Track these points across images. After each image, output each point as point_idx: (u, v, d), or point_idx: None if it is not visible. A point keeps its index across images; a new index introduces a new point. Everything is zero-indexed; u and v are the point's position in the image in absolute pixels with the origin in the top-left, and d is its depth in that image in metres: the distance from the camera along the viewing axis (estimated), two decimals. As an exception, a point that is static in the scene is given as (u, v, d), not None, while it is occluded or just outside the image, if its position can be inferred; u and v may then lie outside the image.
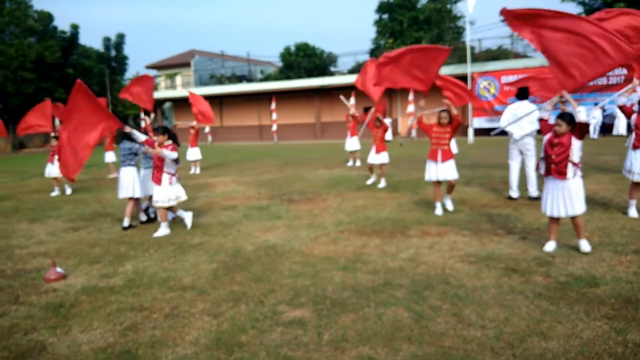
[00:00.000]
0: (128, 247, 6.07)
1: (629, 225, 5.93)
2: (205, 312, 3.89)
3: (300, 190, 10.00)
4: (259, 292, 4.26)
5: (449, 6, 42.04)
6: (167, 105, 42.32)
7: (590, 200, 7.48)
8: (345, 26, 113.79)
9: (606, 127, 23.01)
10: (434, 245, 5.50)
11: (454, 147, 10.64)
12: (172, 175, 6.75)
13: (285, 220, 7.18)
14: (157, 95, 41.17)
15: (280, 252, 5.52)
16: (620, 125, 22.18)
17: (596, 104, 22.92)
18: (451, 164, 7.10)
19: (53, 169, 11.13)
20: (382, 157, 10.04)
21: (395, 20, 40.59)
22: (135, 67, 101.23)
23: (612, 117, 22.86)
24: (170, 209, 6.85)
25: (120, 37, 45.19)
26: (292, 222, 7.03)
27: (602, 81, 23.65)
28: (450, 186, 7.26)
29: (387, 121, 15.13)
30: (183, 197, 6.91)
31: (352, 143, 14.41)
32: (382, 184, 10.05)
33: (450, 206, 7.38)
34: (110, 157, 14.64)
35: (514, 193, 7.98)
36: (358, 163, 14.49)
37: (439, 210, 7.15)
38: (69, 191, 11.41)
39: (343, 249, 5.54)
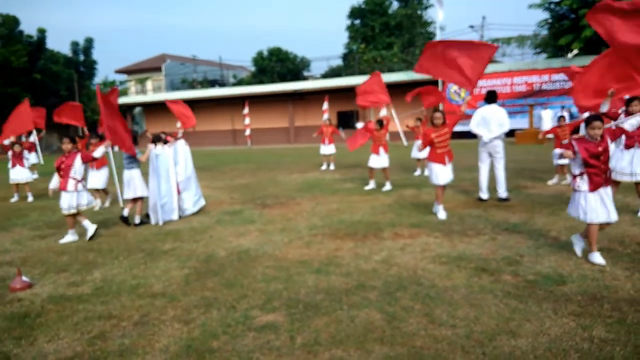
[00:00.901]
0: (96, 255, 5.93)
1: (594, 224, 6.09)
2: (176, 319, 3.83)
3: (274, 195, 9.96)
4: (231, 298, 4.21)
5: (419, 12, 42.69)
6: (137, 110, 41.67)
7: (558, 201, 7.68)
8: (317, 31, 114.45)
9: (573, 130, 23.59)
10: (407, 246, 5.55)
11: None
12: (78, 181, 6.72)
13: (258, 225, 7.14)
14: (128, 100, 40.57)
15: (254, 256, 5.48)
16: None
17: (563, 107, 23.57)
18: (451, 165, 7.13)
19: (17, 174, 11.05)
20: (384, 161, 9.96)
21: (367, 25, 40.95)
22: (104, 71, 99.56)
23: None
24: (76, 215, 6.80)
25: (89, 42, 44.26)
26: (266, 227, 6.99)
27: (569, 85, 24.26)
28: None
29: (359, 125, 15.28)
30: (91, 203, 6.96)
31: (328, 147, 14.48)
32: (388, 187, 9.85)
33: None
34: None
35: (484, 194, 8.11)
36: (332, 166, 14.54)
37: (443, 214, 6.96)
38: (30, 198, 11.18)
39: (316, 252, 5.53)
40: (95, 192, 9.63)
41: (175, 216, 7.90)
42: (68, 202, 6.67)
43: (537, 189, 9.03)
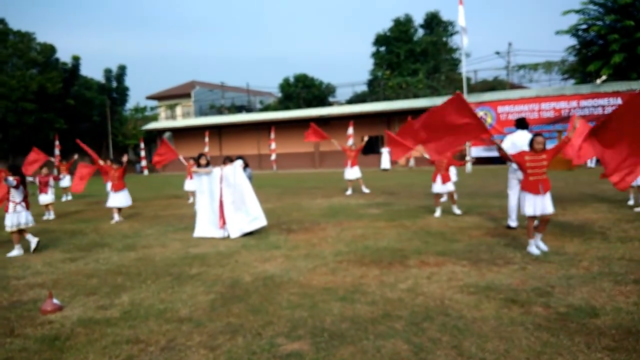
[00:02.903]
0: (125, 278, 6.02)
1: (629, 254, 5.92)
2: (202, 345, 3.84)
3: (299, 220, 9.99)
4: (257, 324, 4.21)
5: (444, 39, 42.90)
6: (167, 135, 42.60)
7: (588, 230, 7.50)
8: (343, 58, 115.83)
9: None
10: (433, 275, 5.47)
11: (453, 174, 10.67)
12: (17, 203, 7.95)
13: (283, 250, 7.16)
14: (158, 125, 41.53)
15: (279, 282, 5.48)
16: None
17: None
18: (549, 195, 6.43)
19: (45, 198, 12.52)
20: (448, 187, 9.89)
21: (393, 52, 41.31)
22: (136, 97, 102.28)
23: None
24: (22, 232, 8.00)
25: (122, 69, 45.80)
26: (291, 252, 7.00)
27: (599, 111, 23.93)
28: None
29: (385, 150, 15.28)
30: (30, 223, 8.04)
31: (353, 172, 14.45)
32: (457, 210, 9.78)
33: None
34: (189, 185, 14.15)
35: (513, 222, 7.97)
36: (365, 189, 14.49)
37: (535, 250, 6.30)
38: (50, 216, 12.55)
39: (342, 279, 5.50)
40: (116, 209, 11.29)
41: (217, 234, 8.47)
42: (11, 221, 7.88)
43: (567, 216, 8.83)
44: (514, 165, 7.85)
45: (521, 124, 8.04)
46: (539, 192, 6.28)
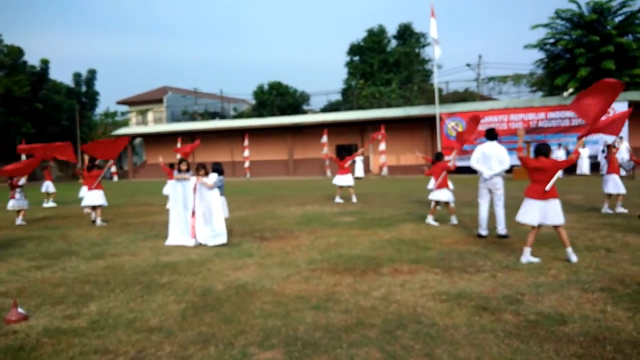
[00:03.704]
0: (93, 287, 5.87)
1: (595, 263, 6.08)
2: (173, 355, 3.77)
3: (272, 227, 9.94)
4: (229, 334, 4.15)
5: (417, 50, 43.58)
6: (137, 141, 41.93)
7: (557, 239, 7.66)
8: (317, 66, 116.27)
9: (570, 167, 23.78)
10: (406, 283, 5.51)
11: (450, 183, 10.48)
12: None
13: (256, 258, 7.10)
14: (128, 130, 40.86)
15: (251, 291, 5.42)
16: (584, 165, 22.99)
17: (560, 145, 23.81)
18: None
19: (13, 203, 12.24)
20: (445, 195, 9.67)
21: (366, 62, 41.73)
22: (106, 102, 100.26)
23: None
24: None
25: (92, 73, 44.97)
26: (264, 260, 6.95)
27: (565, 123, 24.63)
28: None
29: (359, 159, 15.35)
30: None
31: (345, 178, 14.35)
32: (454, 221, 9.58)
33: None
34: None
35: (483, 231, 8.11)
36: (354, 199, 14.35)
37: (529, 258, 6.34)
38: (18, 221, 12.10)
39: (315, 287, 5.48)
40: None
41: (189, 243, 8.39)
42: None
43: (535, 226, 9.02)
44: (485, 175, 8.00)
45: (491, 134, 8.20)
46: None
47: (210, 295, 5.33)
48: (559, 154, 23.39)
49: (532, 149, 23.51)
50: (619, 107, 23.15)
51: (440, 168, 9.72)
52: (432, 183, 11.50)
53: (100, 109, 48.10)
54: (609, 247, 6.99)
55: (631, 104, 23.19)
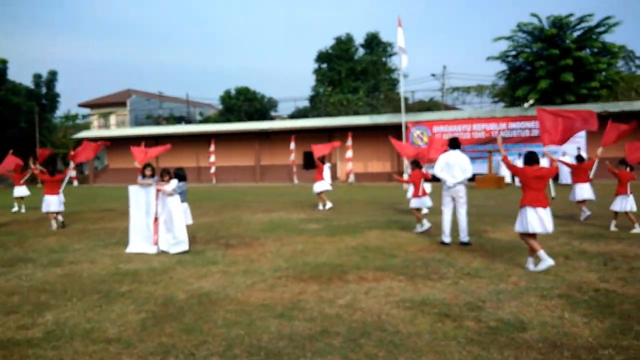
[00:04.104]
0: (49, 296, 5.65)
1: (554, 270, 6.24)
2: (131, 367, 3.65)
3: (238, 234, 9.82)
4: (190, 344, 4.06)
5: (384, 59, 44.16)
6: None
7: (517, 246, 7.86)
8: (285, 73, 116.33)
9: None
10: (371, 290, 5.52)
11: (427, 187, 10.50)
12: None
13: (221, 266, 6.99)
14: (89, 134, 39.85)
15: (215, 300, 5.33)
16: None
17: (520, 154, 24.51)
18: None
19: None
20: (424, 202, 9.69)
21: (334, 69, 41.98)
22: (67, 105, 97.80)
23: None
24: None
25: (53, 74, 43.59)
26: (229, 268, 6.85)
27: (526, 133, 25.35)
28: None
29: (326, 166, 15.36)
30: None
31: (322, 184, 14.22)
32: (420, 228, 9.54)
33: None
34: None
35: (447, 238, 8.23)
36: (328, 205, 14.19)
37: (531, 266, 6.35)
38: None
39: (280, 295, 5.44)
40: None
41: (151, 250, 8.21)
42: None
43: (497, 233, 9.23)
44: (448, 183, 8.14)
45: (454, 143, 8.35)
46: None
47: (171, 304, 5.21)
48: (518, 164, 24.02)
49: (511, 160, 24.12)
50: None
51: (418, 176, 9.81)
52: (410, 191, 11.61)
53: (60, 112, 46.69)
54: (567, 254, 7.20)
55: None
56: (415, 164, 10.04)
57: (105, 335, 4.34)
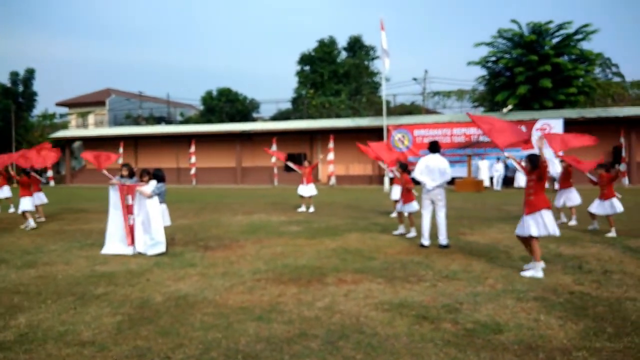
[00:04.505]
0: (22, 298, 5.53)
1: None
2: (105, 370, 3.59)
3: (217, 236, 9.75)
4: (166, 347, 4.01)
5: (366, 63, 44.38)
6: (77, 144, 40.20)
7: (494, 249, 7.95)
8: (268, 74, 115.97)
9: (508, 180, 24.83)
10: (350, 293, 5.53)
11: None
12: None
13: (199, 268, 6.92)
14: (67, 133, 39.19)
15: (192, 302, 5.27)
16: (520, 179, 24.04)
17: (498, 159, 24.82)
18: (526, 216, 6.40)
19: None
20: (412, 206, 9.51)
21: (317, 72, 42.01)
22: (45, 103, 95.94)
23: (513, 170, 24.76)
24: None
25: (30, 72, 42.74)
26: (207, 270, 6.79)
27: (474, 138, 25.68)
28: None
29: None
30: None
31: (308, 189, 14.25)
32: (412, 233, 9.40)
33: None
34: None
35: (426, 241, 8.28)
36: (312, 209, 14.23)
37: (540, 273, 6.24)
38: None
39: (259, 298, 5.40)
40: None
41: (127, 251, 8.11)
42: None
43: (475, 236, 9.33)
44: (428, 186, 8.19)
45: (434, 147, 8.42)
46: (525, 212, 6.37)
47: (148, 307, 5.14)
48: (498, 167, 24.38)
49: (489, 164, 24.53)
50: (555, 123, 24.45)
51: (406, 180, 9.70)
52: (395, 193, 11.64)
53: (38, 110, 45.76)
54: (543, 257, 7.29)
55: (567, 121, 24.54)
56: (403, 168, 10.05)
57: (80, 338, 4.26)
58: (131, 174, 8.97)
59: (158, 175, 8.44)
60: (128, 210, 8.24)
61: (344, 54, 44.34)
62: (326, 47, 42.38)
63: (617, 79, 37.76)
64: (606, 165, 10.08)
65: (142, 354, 3.89)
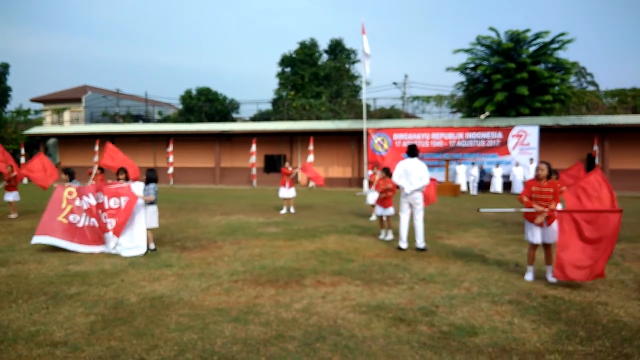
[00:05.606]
0: (-9, 298, 5.38)
1: (505, 276, 6.43)
2: (77, 372, 3.52)
3: (195, 237, 9.65)
4: (140, 348, 3.95)
5: (347, 66, 44.57)
6: (51, 141, 39.40)
7: (470, 253, 8.05)
8: (248, 75, 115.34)
9: (484, 185, 25.17)
10: (328, 295, 5.53)
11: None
12: None
13: (175, 269, 6.84)
14: (41, 130, 38.41)
15: (168, 303, 5.21)
16: (497, 184, 24.41)
17: (473, 164, 25.20)
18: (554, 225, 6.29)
19: None
20: (390, 210, 9.51)
21: (297, 74, 42.00)
22: (19, 99, 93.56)
23: (489, 176, 25.13)
24: None
25: (4, 67, 41.80)
26: (183, 271, 6.71)
27: (482, 143, 26.09)
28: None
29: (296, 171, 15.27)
30: None
31: (289, 191, 14.27)
32: (389, 236, 9.45)
33: None
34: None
35: (404, 244, 8.34)
36: (292, 210, 14.27)
37: (530, 276, 6.40)
38: None
39: (236, 299, 5.37)
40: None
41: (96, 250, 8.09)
42: None
43: (451, 240, 9.43)
44: (406, 190, 8.25)
45: (412, 151, 8.48)
46: (533, 222, 6.30)
47: (122, 307, 5.06)
48: (473, 172, 24.71)
49: (467, 169, 24.86)
50: (530, 130, 24.89)
51: (393, 187, 9.59)
52: (372, 197, 11.73)
53: (12, 106, 44.70)
54: (518, 261, 7.43)
55: (542, 128, 25.00)
56: (387, 173, 10.04)
57: (52, 338, 4.17)
58: (127, 178, 8.76)
59: (151, 176, 8.27)
60: (99, 208, 8.15)
61: (324, 57, 44.42)
62: (307, 49, 42.38)
63: (591, 88, 38.66)
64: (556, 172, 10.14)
65: (116, 354, 3.82)
